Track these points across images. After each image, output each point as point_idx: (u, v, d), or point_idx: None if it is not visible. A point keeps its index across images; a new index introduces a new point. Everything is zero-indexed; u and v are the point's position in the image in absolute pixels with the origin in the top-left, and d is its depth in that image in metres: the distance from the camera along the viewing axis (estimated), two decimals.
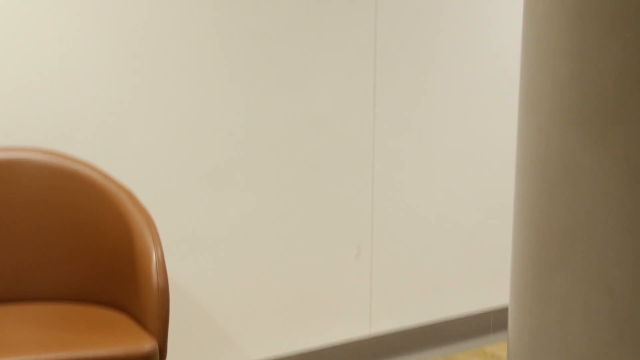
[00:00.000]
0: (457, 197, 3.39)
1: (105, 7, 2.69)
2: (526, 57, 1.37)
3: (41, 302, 2.51)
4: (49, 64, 2.65)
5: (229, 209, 2.98)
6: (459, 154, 3.35)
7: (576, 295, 1.21)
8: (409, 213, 3.31)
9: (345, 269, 3.22)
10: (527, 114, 1.35)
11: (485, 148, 3.39)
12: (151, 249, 2.35)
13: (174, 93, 2.83)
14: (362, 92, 3.11)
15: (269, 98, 2.97)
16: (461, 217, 3.42)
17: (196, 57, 2.84)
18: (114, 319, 2.43)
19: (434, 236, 3.38)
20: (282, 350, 3.15)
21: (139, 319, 2.38)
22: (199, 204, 2.93)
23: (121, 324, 2.38)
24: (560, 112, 1.21)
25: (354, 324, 3.27)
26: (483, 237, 3.47)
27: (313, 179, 3.10)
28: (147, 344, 2.23)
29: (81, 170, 2.55)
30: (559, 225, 1.23)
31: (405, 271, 3.35)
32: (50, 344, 2.19)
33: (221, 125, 2.91)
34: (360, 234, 3.22)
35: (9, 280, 2.51)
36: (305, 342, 3.19)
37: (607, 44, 1.11)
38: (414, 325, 3.40)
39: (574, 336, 1.22)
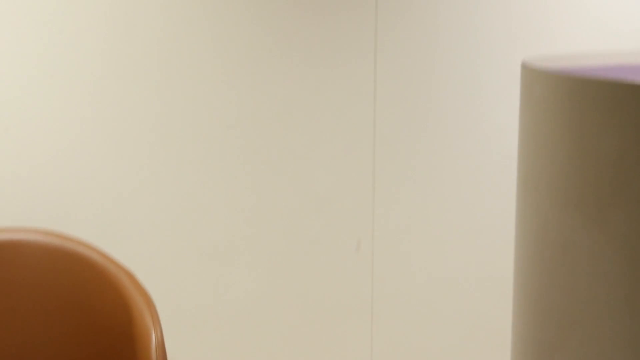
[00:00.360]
0: (455, 275, 3.38)
1: (108, 91, 2.72)
2: (524, 138, 1.39)
3: None
4: (50, 144, 2.67)
5: (230, 289, 2.98)
6: (457, 231, 3.35)
7: None
8: (409, 293, 3.30)
9: (347, 352, 3.20)
10: (525, 194, 1.36)
11: (484, 225, 3.39)
12: (151, 330, 2.34)
13: (175, 172, 2.84)
14: (361, 169, 3.12)
15: (267, 176, 2.98)
16: (460, 296, 3.41)
17: (197, 139, 2.86)
18: None
19: (432, 318, 3.36)
20: None
21: None
22: (199, 284, 2.93)
23: None
24: (558, 193, 1.22)
25: None
26: (484, 316, 3.45)
27: (313, 258, 3.10)
28: None
29: (81, 251, 2.55)
30: (558, 306, 1.23)
31: (405, 351, 3.32)
32: None
33: (222, 204, 2.92)
34: (360, 314, 3.21)
35: None
36: None
37: (604, 127, 1.12)
38: None
39: None
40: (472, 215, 3.37)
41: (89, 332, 2.50)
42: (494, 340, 3.48)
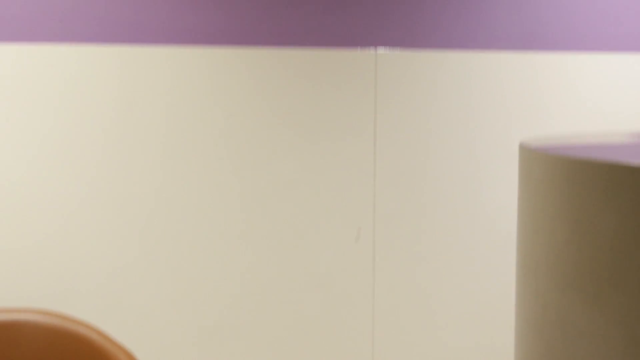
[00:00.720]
0: (458, 355, 3.36)
1: (107, 174, 2.73)
2: (522, 220, 1.39)
3: None
4: (48, 224, 2.68)
5: None
6: (457, 310, 3.34)
7: None
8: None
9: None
10: (524, 275, 1.36)
11: (484, 307, 3.38)
12: None
13: (172, 252, 2.84)
14: (361, 249, 3.12)
15: (267, 255, 2.98)
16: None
17: (194, 219, 2.87)
18: None
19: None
20: None
21: None
22: None
23: None
24: (556, 275, 1.22)
25: None
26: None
27: (312, 339, 3.08)
28: None
29: (81, 331, 2.54)
30: None
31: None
32: None
33: (219, 283, 2.92)
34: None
35: None
36: None
37: (601, 209, 1.13)
38: None
39: None
40: (472, 294, 3.36)
41: None
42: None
